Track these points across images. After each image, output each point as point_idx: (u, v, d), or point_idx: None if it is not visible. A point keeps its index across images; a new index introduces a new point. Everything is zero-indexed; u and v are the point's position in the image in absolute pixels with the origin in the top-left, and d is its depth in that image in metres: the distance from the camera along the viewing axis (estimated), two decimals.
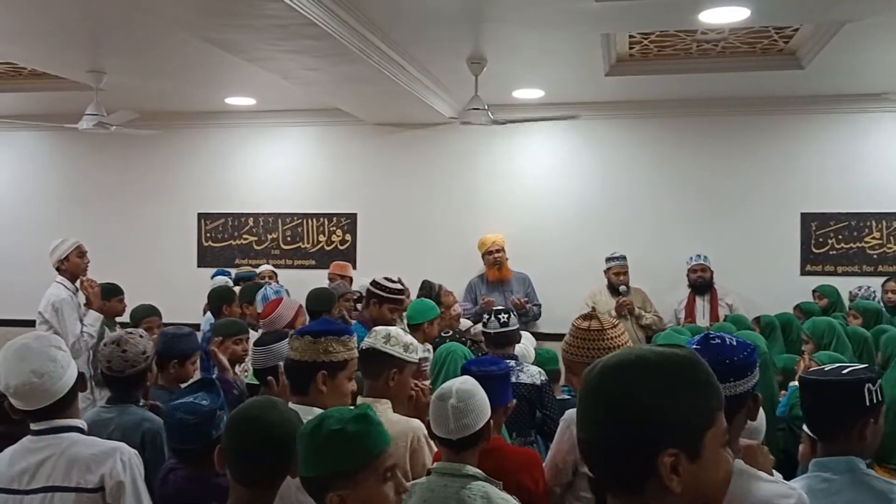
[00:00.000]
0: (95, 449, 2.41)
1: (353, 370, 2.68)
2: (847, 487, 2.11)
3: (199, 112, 7.88)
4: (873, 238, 7.01)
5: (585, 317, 2.80)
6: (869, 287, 6.17)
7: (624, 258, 6.83)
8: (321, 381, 2.56)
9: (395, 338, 2.86)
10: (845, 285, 6.50)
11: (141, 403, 3.21)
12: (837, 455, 2.16)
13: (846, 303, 6.29)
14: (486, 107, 5.84)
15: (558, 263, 7.26)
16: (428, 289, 5.70)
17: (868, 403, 2.15)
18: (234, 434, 2.07)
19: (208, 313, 5.63)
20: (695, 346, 1.90)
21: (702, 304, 6.73)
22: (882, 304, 6.05)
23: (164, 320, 5.29)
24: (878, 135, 6.97)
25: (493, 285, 7.09)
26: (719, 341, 1.89)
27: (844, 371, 2.21)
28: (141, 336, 3.18)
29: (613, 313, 6.59)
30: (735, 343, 1.89)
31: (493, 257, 7.08)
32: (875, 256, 7.00)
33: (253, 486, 2.03)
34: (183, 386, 3.26)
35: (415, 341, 3.07)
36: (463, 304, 6.45)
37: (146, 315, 5.07)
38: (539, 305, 7.10)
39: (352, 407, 1.97)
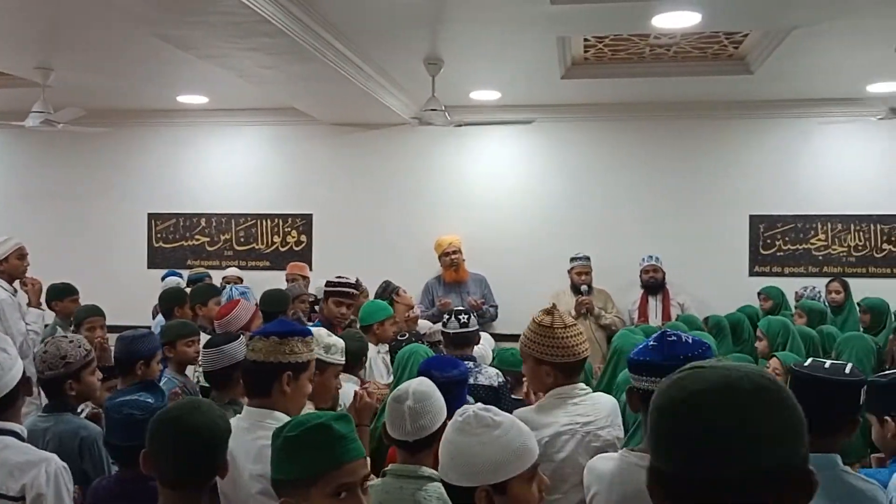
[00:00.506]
0: (23, 457, 2.37)
1: (312, 371, 2.67)
2: (828, 485, 2.13)
3: (149, 110, 7.74)
4: (818, 240, 7.19)
5: (546, 311, 2.82)
6: (814, 287, 6.32)
7: (587, 259, 6.89)
8: (286, 381, 2.54)
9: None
10: (792, 286, 6.65)
11: (81, 409, 3.15)
12: (817, 452, 2.20)
13: (792, 303, 6.43)
14: (444, 108, 5.84)
15: (515, 264, 7.30)
16: (381, 289, 5.70)
17: (860, 403, 2.20)
18: (157, 436, 2.05)
19: (159, 315, 5.53)
20: (651, 343, 1.93)
21: (654, 304, 6.84)
22: (826, 304, 6.20)
23: (114, 322, 5.19)
24: (824, 139, 7.14)
25: (449, 286, 7.10)
26: (675, 338, 1.93)
27: (846, 370, 2.24)
28: (71, 342, 3.06)
29: (573, 313, 6.67)
30: (691, 341, 1.93)
31: (450, 258, 7.09)
32: (820, 258, 7.18)
33: (180, 489, 2.01)
34: (119, 387, 3.21)
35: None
36: (419, 305, 6.45)
37: (89, 315, 4.96)
38: (496, 306, 7.13)
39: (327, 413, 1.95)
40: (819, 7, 4.47)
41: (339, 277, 4.85)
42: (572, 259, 6.92)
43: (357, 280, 4.97)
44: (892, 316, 5.89)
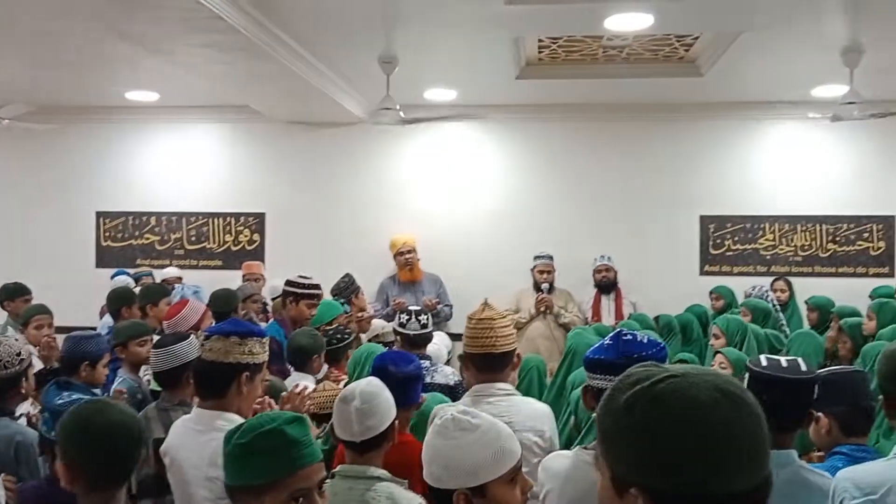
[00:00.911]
0: None
1: (265, 373, 2.65)
2: (788, 480, 2.19)
3: (98, 106, 7.57)
4: (766, 240, 7.34)
5: (482, 309, 2.84)
6: (763, 287, 6.44)
7: (550, 257, 6.91)
8: (243, 382, 2.51)
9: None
10: (741, 285, 6.76)
11: (18, 414, 3.08)
12: (778, 449, 2.25)
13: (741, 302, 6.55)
14: (398, 107, 5.83)
15: (470, 264, 7.31)
16: (345, 284, 5.68)
17: (814, 398, 2.26)
18: (66, 438, 1.99)
19: (107, 316, 5.43)
20: (607, 342, 1.95)
21: (607, 304, 6.90)
22: (773, 303, 6.32)
23: (61, 323, 5.09)
24: (772, 141, 7.30)
25: (404, 286, 7.09)
26: (630, 337, 1.96)
27: (802, 367, 2.29)
28: (3, 344, 3.00)
29: (533, 311, 6.73)
30: (646, 340, 1.96)
31: (405, 258, 7.07)
32: (768, 257, 7.33)
33: (95, 492, 1.96)
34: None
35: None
36: (374, 304, 6.43)
37: (35, 313, 4.86)
38: (451, 306, 7.13)
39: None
40: (766, 12, 4.57)
41: (305, 278, 4.79)
42: (535, 257, 6.95)
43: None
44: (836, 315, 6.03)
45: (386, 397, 2.44)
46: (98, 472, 1.95)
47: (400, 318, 4.07)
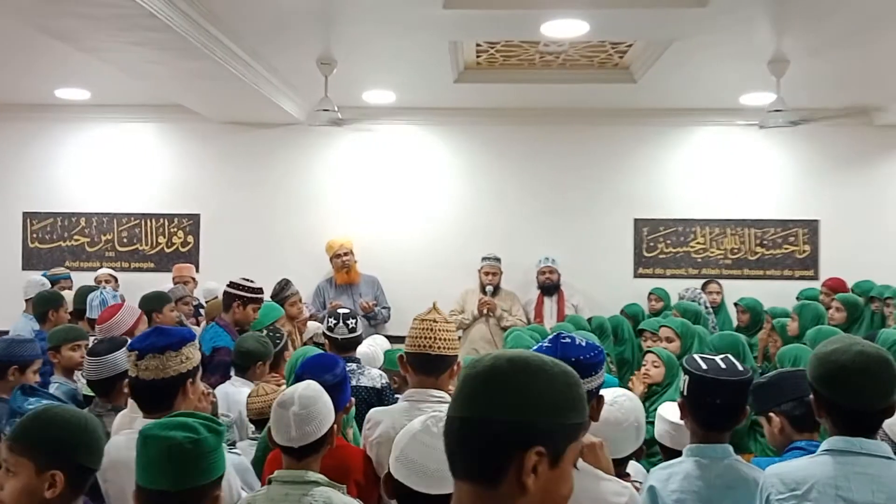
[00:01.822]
0: None
1: (200, 371, 2.61)
2: (723, 472, 2.32)
3: (25, 104, 7.35)
4: (698, 243, 7.53)
5: (428, 311, 2.82)
6: (696, 289, 6.59)
7: (496, 259, 6.93)
8: (187, 389, 2.48)
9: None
10: (673, 287, 6.93)
11: None
12: (715, 444, 2.38)
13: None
14: (336, 108, 5.81)
15: (408, 266, 7.32)
16: (279, 287, 5.63)
17: (766, 398, 2.44)
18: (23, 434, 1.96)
19: (23, 318, 5.27)
20: (546, 345, 1.98)
21: (550, 305, 6.94)
22: (706, 305, 6.48)
23: None
24: (703, 147, 7.50)
25: (341, 288, 7.04)
26: (569, 340, 1.98)
27: (740, 368, 2.41)
28: None
29: (476, 312, 6.76)
30: (584, 343, 1.98)
31: (341, 260, 7.03)
32: (699, 260, 7.52)
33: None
34: None
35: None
36: (310, 307, 6.38)
37: None
38: (388, 308, 7.12)
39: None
40: (696, 22, 4.70)
41: (249, 280, 4.73)
42: (483, 259, 6.97)
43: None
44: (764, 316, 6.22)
45: (325, 402, 2.42)
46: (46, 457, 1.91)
47: (328, 322, 4.03)
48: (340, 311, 4.11)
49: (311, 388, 2.43)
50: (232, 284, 4.69)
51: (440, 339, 2.71)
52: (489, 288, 6.85)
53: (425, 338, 2.70)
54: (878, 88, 6.44)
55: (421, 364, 2.72)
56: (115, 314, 4.02)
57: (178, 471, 1.88)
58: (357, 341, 4.06)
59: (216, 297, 5.48)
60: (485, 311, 6.78)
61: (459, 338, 4.84)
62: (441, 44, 5.29)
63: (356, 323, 4.00)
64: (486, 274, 6.91)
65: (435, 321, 2.74)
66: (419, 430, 1.93)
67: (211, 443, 1.93)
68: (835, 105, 7.03)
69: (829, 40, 5.02)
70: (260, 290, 4.73)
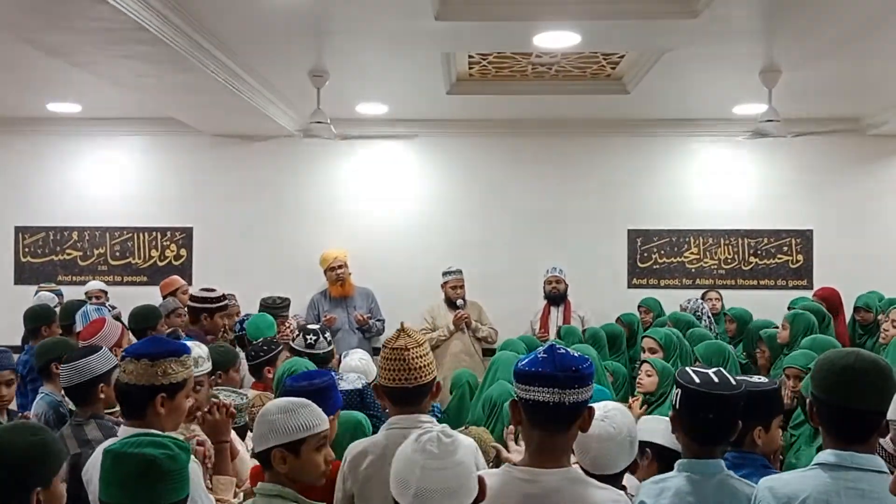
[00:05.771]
0: None
1: (191, 387, 2.62)
2: (717, 488, 2.30)
3: (17, 118, 7.33)
4: (691, 253, 7.54)
5: (397, 331, 2.67)
6: (697, 300, 6.54)
7: (459, 272, 6.88)
8: (160, 403, 2.46)
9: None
10: (667, 298, 6.91)
11: None
12: (708, 458, 2.34)
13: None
14: (329, 120, 5.80)
15: (402, 278, 7.30)
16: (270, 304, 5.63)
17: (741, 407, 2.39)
18: None
19: None
20: (542, 356, 2.00)
21: (556, 315, 6.84)
22: (705, 314, 6.43)
23: None
24: (695, 157, 7.52)
25: (335, 301, 7.02)
26: (565, 352, 2.01)
27: (733, 382, 2.38)
28: None
29: (451, 327, 6.71)
30: (577, 355, 2.03)
31: (336, 273, 7.01)
32: (693, 270, 7.53)
33: None
34: None
35: (203, 354, 3.15)
36: (300, 319, 6.36)
37: None
38: (383, 320, 7.10)
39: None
40: (687, 33, 4.71)
41: (209, 290, 4.82)
42: (445, 273, 6.89)
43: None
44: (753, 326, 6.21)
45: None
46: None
47: (307, 340, 4.11)
48: (311, 327, 4.26)
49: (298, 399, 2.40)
50: (194, 298, 4.82)
51: (415, 369, 2.56)
52: (460, 301, 6.80)
53: (398, 370, 2.55)
54: (870, 98, 6.47)
55: (399, 397, 2.60)
56: (99, 330, 3.98)
57: (151, 488, 1.85)
58: (326, 357, 4.14)
59: None
60: (461, 326, 6.74)
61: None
62: (433, 55, 5.29)
63: (316, 339, 4.12)
64: (454, 288, 6.85)
65: (406, 349, 2.56)
66: (421, 459, 1.84)
67: (183, 460, 1.92)
68: (827, 115, 7.05)
69: (820, 50, 5.04)
70: (223, 298, 4.80)
